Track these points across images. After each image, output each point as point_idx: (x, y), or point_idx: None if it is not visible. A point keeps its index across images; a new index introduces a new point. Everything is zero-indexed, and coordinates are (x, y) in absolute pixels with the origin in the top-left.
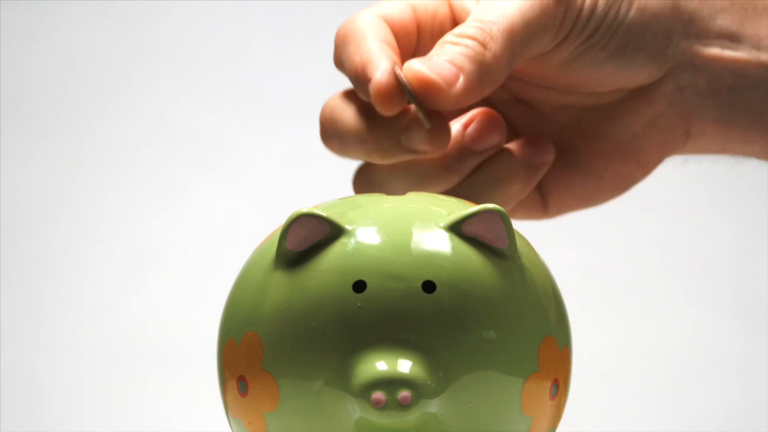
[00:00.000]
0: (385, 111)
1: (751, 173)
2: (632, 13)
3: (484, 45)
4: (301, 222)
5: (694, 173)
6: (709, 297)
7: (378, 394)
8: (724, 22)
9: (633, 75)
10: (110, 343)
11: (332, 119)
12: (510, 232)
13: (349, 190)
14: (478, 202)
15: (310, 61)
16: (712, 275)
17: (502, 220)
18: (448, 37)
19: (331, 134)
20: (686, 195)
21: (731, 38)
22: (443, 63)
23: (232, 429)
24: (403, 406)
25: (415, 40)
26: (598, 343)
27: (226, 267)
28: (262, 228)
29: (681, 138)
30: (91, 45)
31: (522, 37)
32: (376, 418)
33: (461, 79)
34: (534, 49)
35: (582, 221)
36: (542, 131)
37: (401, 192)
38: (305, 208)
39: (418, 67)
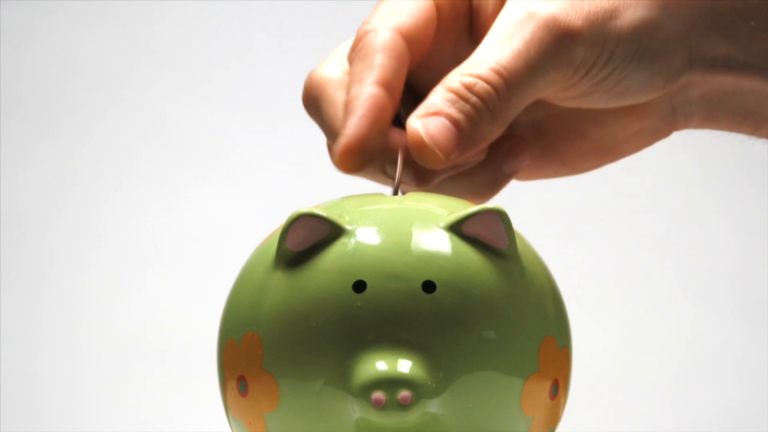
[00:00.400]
0: (341, 169)
1: (751, 173)
2: (644, 62)
3: (491, 110)
4: (301, 222)
5: (694, 173)
6: (709, 297)
7: (378, 394)
8: (736, 38)
9: (628, 103)
10: (110, 343)
11: (317, 102)
12: (510, 232)
13: (348, 190)
14: None
15: (310, 61)
16: (712, 275)
17: (502, 220)
18: (456, 83)
19: (312, 112)
20: (686, 195)
21: (738, 57)
22: (445, 126)
23: (232, 429)
24: (403, 406)
25: (430, 41)
26: (598, 343)
27: (226, 267)
28: (262, 228)
29: (664, 136)
30: (91, 45)
31: (532, 94)
32: (376, 418)
33: (459, 148)
34: (539, 97)
35: (582, 221)
36: (529, 114)
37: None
38: (305, 208)
39: (417, 130)
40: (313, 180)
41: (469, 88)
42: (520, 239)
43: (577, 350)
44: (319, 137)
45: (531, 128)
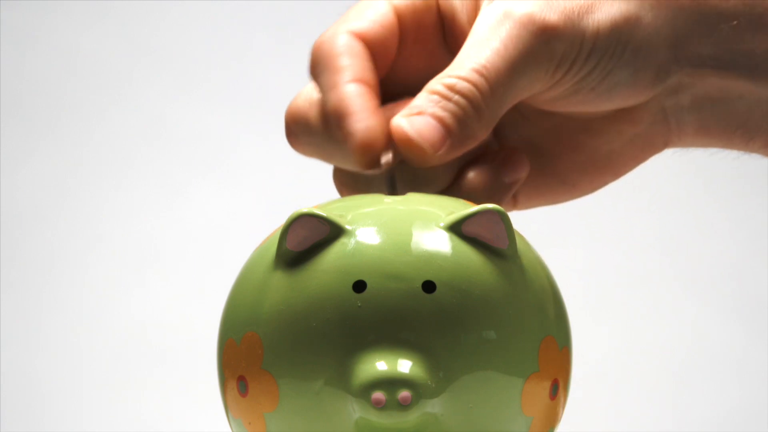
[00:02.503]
0: (362, 167)
1: (752, 174)
2: (626, 55)
3: (476, 107)
4: (301, 222)
5: (694, 173)
6: (709, 297)
7: (378, 394)
8: (719, 38)
9: (619, 104)
10: (110, 343)
11: (300, 120)
12: (510, 232)
13: None
14: None
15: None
16: (712, 275)
17: (502, 220)
18: (438, 86)
19: (300, 133)
20: (686, 195)
21: (723, 58)
22: (430, 123)
23: (232, 429)
24: (403, 406)
25: (395, 50)
26: (598, 343)
27: (226, 267)
28: (262, 228)
29: (659, 148)
30: (91, 45)
31: (516, 92)
32: (376, 418)
33: (447, 144)
34: (524, 96)
35: (582, 221)
36: (521, 131)
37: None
38: (305, 208)
39: (402, 127)
40: (313, 180)
41: (451, 87)
42: (520, 239)
43: (577, 350)
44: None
45: (524, 146)
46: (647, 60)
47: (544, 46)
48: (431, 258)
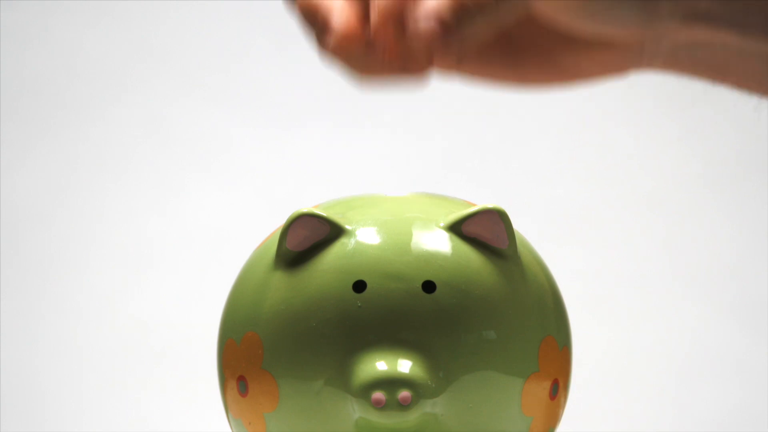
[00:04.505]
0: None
1: (751, 173)
2: None
3: (488, 20)
4: (301, 222)
5: (694, 173)
6: (709, 297)
7: (378, 394)
8: None
9: (601, 31)
10: (110, 343)
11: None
12: (510, 232)
13: (349, 190)
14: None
15: (310, 61)
16: (712, 275)
17: (501, 220)
18: None
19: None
20: (686, 195)
21: (717, 12)
22: (434, 34)
23: (232, 429)
24: (403, 406)
25: None
26: (598, 343)
27: (226, 267)
28: (262, 228)
29: (623, 73)
30: (91, 45)
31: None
32: (376, 418)
33: (446, 58)
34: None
35: (582, 221)
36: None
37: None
38: (305, 208)
39: (412, 41)
40: (313, 180)
41: None
42: (520, 239)
43: (577, 350)
44: (320, 137)
45: (499, 36)
46: (650, 6)
47: None
48: (431, 258)
